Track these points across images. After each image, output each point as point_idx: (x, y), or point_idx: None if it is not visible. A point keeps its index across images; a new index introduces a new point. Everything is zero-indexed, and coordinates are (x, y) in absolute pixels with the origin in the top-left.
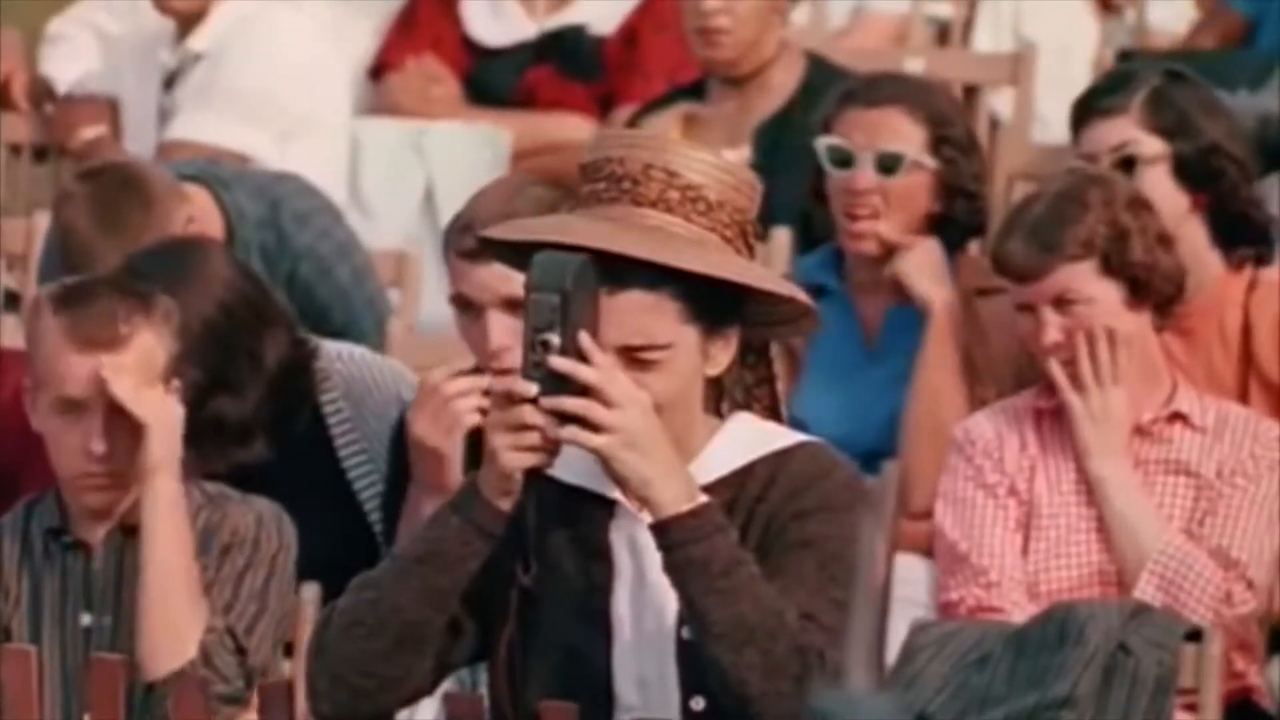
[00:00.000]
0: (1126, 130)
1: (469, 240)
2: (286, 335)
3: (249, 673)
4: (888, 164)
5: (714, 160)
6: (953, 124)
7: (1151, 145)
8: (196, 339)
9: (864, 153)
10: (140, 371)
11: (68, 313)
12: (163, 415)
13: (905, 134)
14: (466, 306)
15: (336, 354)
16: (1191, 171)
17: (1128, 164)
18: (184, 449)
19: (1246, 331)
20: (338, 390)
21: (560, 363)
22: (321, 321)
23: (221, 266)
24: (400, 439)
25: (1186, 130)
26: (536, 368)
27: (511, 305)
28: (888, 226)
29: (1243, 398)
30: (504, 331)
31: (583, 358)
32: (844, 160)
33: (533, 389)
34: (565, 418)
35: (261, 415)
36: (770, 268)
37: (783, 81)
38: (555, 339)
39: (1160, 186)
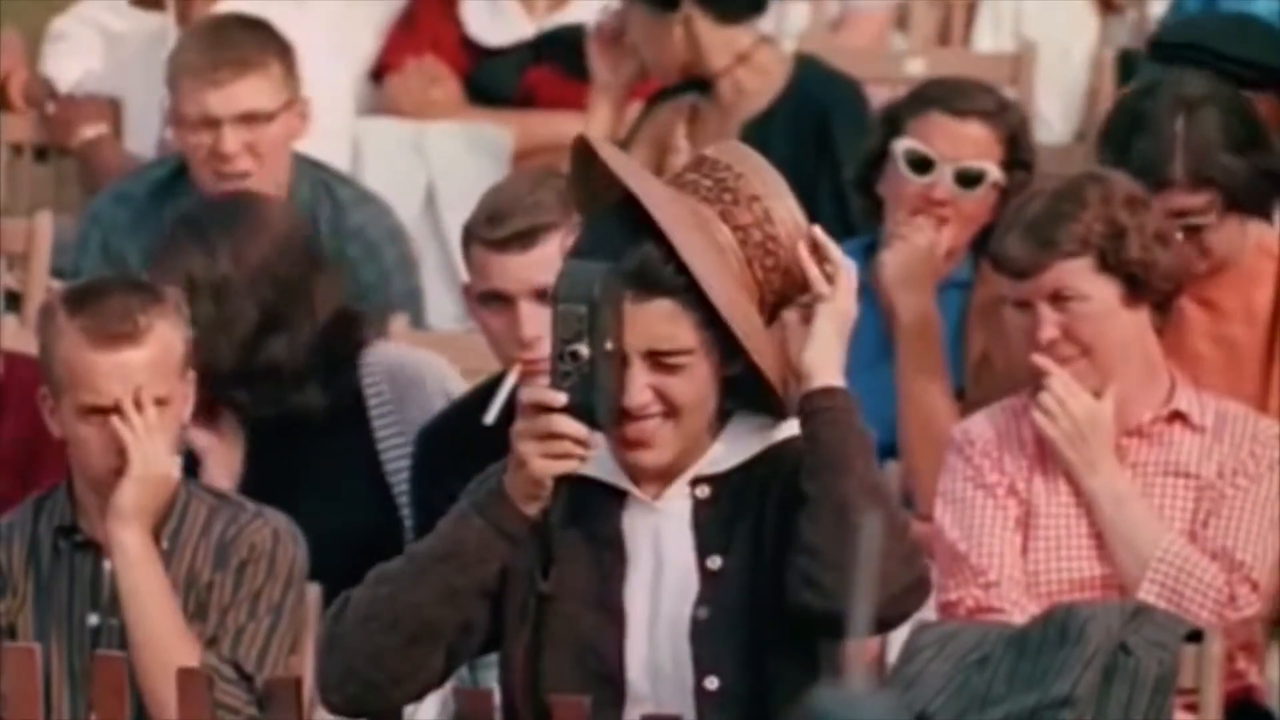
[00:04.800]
0: (1181, 201)
1: (498, 229)
2: (336, 285)
3: (259, 693)
4: (969, 179)
5: (804, 231)
6: (1025, 146)
7: (1206, 203)
8: (252, 278)
9: (946, 164)
10: (161, 364)
11: (84, 313)
12: (153, 470)
13: (987, 150)
14: (494, 299)
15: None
16: (1246, 199)
17: (1195, 227)
18: (239, 392)
19: (1277, 306)
20: (379, 374)
21: (818, 232)
22: (361, 303)
23: (279, 213)
24: (426, 446)
25: (1231, 177)
26: (565, 377)
27: (541, 295)
28: (945, 236)
29: (1266, 372)
30: (536, 321)
31: (619, 364)
32: (924, 166)
33: (562, 398)
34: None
35: (313, 361)
36: None
37: (759, 84)
38: (584, 349)
39: (1226, 229)
